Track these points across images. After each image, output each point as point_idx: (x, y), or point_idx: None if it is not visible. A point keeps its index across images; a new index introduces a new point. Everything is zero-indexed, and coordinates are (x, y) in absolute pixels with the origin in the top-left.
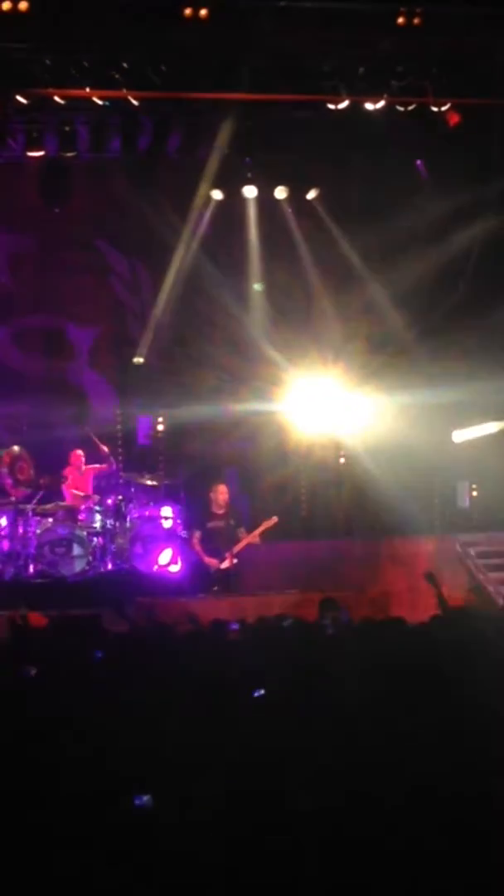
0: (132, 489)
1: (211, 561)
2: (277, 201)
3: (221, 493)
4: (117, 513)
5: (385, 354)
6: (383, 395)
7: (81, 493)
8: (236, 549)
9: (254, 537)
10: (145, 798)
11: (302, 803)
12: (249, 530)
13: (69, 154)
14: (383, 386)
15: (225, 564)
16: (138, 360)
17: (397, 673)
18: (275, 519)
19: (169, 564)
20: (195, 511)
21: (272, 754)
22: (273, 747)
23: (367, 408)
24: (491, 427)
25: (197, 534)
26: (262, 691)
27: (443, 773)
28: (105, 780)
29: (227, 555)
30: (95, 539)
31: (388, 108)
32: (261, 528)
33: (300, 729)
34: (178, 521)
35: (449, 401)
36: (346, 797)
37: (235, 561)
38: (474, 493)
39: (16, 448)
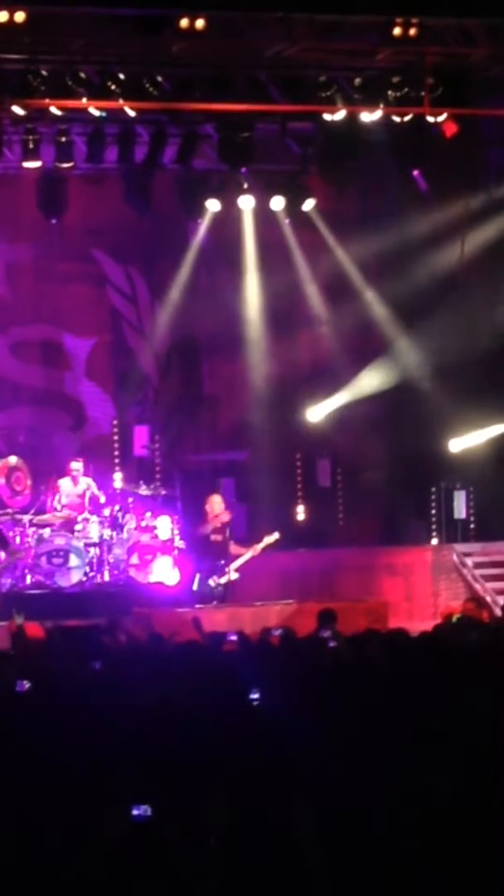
0: (129, 500)
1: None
2: (274, 212)
3: (217, 503)
4: (114, 523)
5: (382, 362)
6: (380, 403)
7: (77, 501)
8: (237, 564)
9: (255, 552)
10: (143, 808)
11: (306, 820)
12: (246, 542)
13: (66, 165)
14: (380, 394)
15: (225, 580)
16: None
17: (402, 683)
18: (277, 535)
19: (166, 575)
20: (192, 522)
21: (277, 768)
22: (277, 760)
23: (363, 416)
24: (488, 432)
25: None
26: (257, 695)
27: (450, 786)
28: (104, 790)
29: (226, 570)
30: (92, 550)
31: (385, 119)
32: (263, 544)
33: (305, 740)
34: (176, 531)
35: (446, 409)
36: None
37: (237, 576)
38: (472, 503)
39: (13, 459)
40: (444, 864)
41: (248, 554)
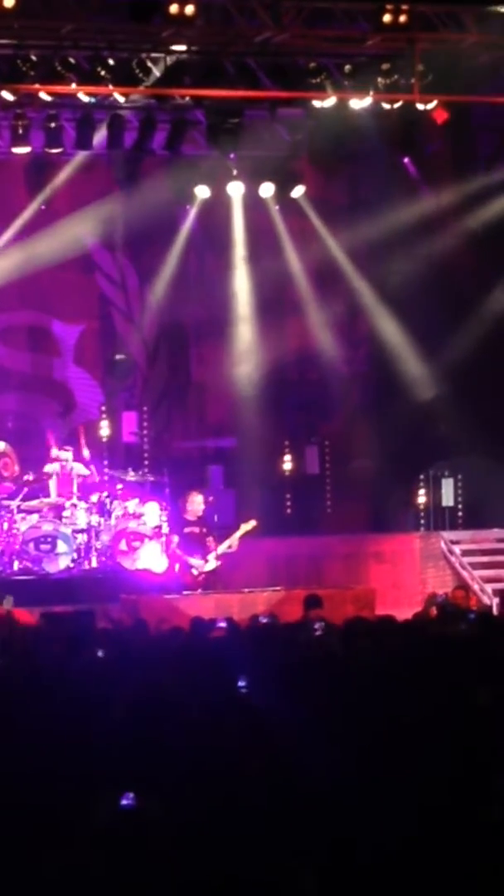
0: (117, 486)
1: (196, 562)
2: (263, 198)
3: (195, 502)
4: (102, 510)
5: (370, 350)
6: (368, 391)
7: (67, 487)
8: (219, 551)
9: (233, 541)
10: (130, 797)
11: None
12: (227, 535)
13: (55, 150)
14: (369, 382)
15: (209, 566)
16: (120, 356)
17: (390, 670)
18: (254, 522)
19: (153, 562)
20: (176, 512)
21: (265, 755)
22: (265, 747)
23: (352, 404)
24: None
25: (175, 539)
26: (244, 682)
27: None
28: (90, 777)
29: (213, 557)
30: (80, 536)
31: (375, 106)
32: (239, 532)
33: (292, 727)
34: (164, 518)
35: (435, 397)
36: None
37: (219, 563)
38: (460, 491)
39: (0, 444)
40: (436, 853)
41: (226, 543)
